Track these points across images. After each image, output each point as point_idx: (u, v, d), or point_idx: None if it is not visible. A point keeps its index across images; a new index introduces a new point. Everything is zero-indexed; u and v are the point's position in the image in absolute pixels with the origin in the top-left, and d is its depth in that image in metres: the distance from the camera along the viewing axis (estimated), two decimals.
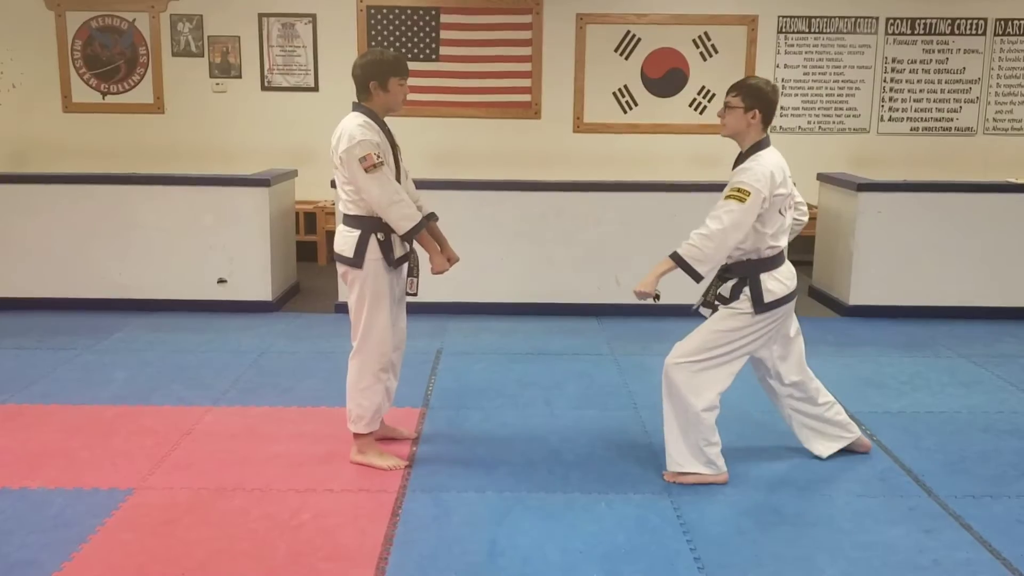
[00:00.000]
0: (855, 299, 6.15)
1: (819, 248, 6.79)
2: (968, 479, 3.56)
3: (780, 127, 8.00)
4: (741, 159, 3.44)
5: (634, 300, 6.30)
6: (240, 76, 7.89)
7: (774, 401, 3.74)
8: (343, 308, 6.07)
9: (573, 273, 6.11)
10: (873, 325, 5.92)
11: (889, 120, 8.03)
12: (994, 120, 8.04)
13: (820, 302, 6.59)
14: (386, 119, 3.52)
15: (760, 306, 3.38)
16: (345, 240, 3.50)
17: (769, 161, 3.35)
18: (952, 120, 8.04)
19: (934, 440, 3.97)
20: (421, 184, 6.58)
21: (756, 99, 3.33)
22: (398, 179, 3.48)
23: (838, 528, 3.15)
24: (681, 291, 6.08)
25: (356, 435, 3.61)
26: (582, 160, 7.88)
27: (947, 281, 6.12)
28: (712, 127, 7.94)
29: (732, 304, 3.44)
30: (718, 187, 6.45)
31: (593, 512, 3.24)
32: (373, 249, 3.46)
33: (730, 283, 3.46)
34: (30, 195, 6.05)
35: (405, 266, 3.66)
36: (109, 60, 7.87)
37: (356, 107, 3.48)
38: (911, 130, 8.05)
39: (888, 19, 7.87)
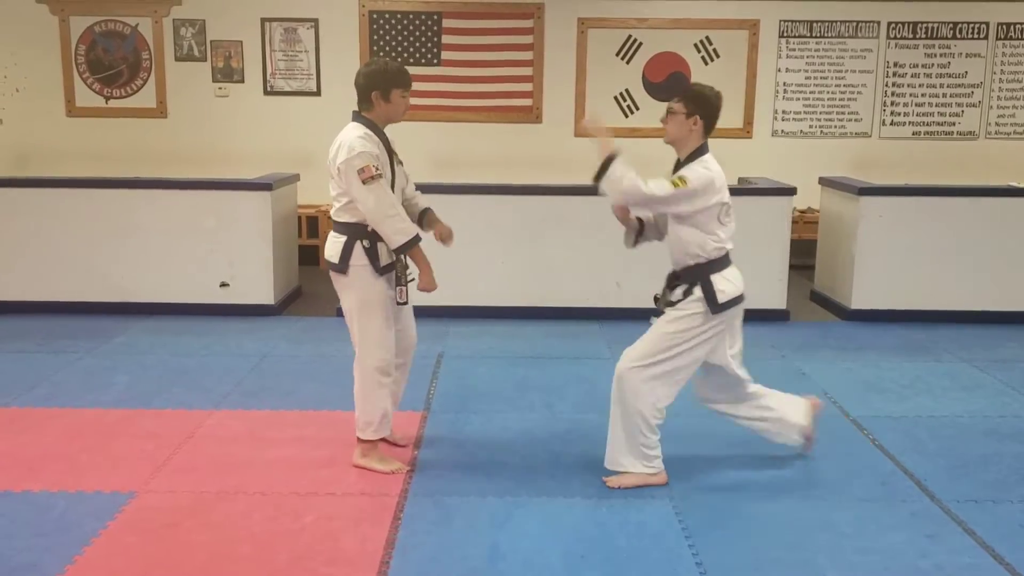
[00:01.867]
0: (857, 303, 6.14)
1: (821, 252, 6.79)
2: (970, 483, 3.56)
3: (782, 131, 8.01)
4: (678, 167, 3.42)
5: (634, 304, 6.31)
6: (242, 80, 7.91)
7: (730, 414, 3.67)
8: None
9: (574, 277, 6.11)
10: (875, 329, 5.92)
11: (891, 124, 8.03)
12: (996, 124, 8.04)
13: (822, 306, 6.58)
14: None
15: (715, 306, 3.37)
16: (333, 245, 3.52)
17: (713, 168, 3.35)
18: (954, 124, 8.04)
19: (936, 444, 3.96)
20: (422, 188, 6.59)
21: (699, 105, 3.33)
22: (394, 187, 3.49)
23: (840, 532, 3.14)
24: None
25: (361, 440, 3.60)
26: (583, 164, 7.83)
27: (949, 285, 6.11)
28: (714, 131, 7.96)
29: (680, 306, 3.41)
30: None
31: (594, 516, 3.24)
32: (358, 255, 3.47)
33: (680, 289, 3.46)
34: (33, 199, 6.07)
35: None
36: (112, 65, 7.89)
37: (356, 117, 3.48)
38: (913, 134, 8.05)
39: (890, 23, 7.87)
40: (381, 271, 3.51)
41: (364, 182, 3.32)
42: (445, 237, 3.69)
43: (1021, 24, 7.89)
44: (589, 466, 3.67)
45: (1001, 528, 3.18)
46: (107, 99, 7.95)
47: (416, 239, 3.47)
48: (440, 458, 3.74)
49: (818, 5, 7.84)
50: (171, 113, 7.95)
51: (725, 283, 3.40)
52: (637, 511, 3.28)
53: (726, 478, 3.59)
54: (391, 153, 3.51)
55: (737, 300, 3.44)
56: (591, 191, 6.69)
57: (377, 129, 3.46)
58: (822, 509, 3.32)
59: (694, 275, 3.41)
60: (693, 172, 3.32)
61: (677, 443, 3.93)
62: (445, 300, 6.09)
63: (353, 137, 3.38)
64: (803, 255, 7.16)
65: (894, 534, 3.14)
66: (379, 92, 3.42)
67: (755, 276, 6.09)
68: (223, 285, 6.08)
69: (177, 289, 6.08)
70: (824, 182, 6.75)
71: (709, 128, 3.37)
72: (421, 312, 6.05)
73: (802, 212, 7.54)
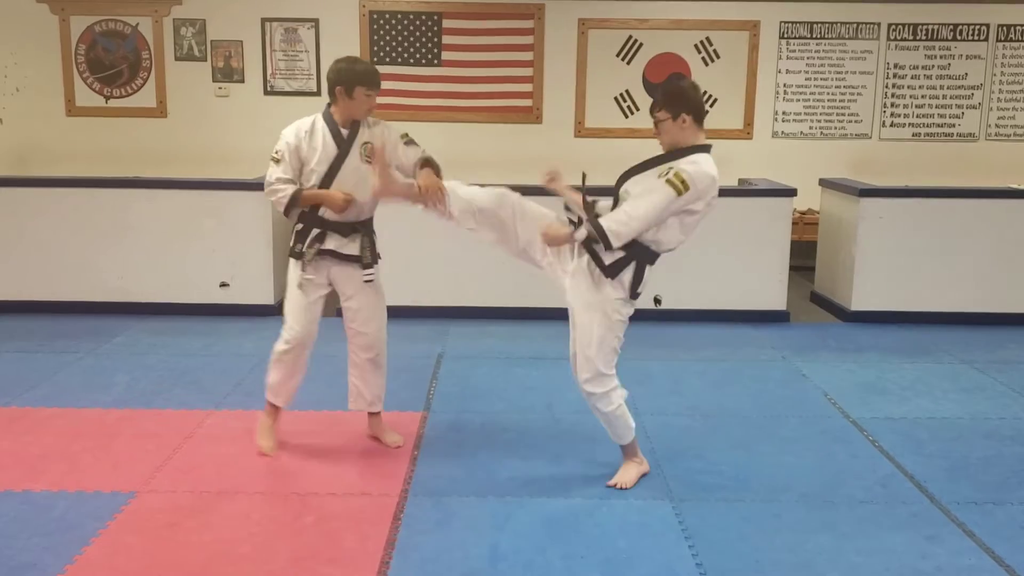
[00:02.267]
0: (857, 305, 6.15)
1: (821, 254, 6.79)
2: (971, 485, 3.56)
3: (782, 132, 8.01)
4: (678, 155, 3.28)
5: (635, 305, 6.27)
6: (243, 80, 7.90)
7: None
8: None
9: None
10: (875, 331, 5.92)
11: (891, 126, 8.03)
12: (996, 126, 8.05)
13: (822, 307, 6.59)
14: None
15: (635, 294, 3.36)
16: None
17: (712, 167, 3.27)
18: (954, 126, 8.05)
19: (936, 446, 3.96)
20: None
21: (680, 103, 3.26)
22: (325, 186, 3.59)
23: (840, 534, 3.14)
24: (683, 296, 6.11)
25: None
26: (583, 165, 7.83)
27: (949, 287, 6.12)
28: (714, 132, 7.93)
29: (601, 293, 3.33)
30: (719, 191, 6.47)
31: (595, 517, 3.24)
32: (292, 240, 3.75)
33: (618, 255, 3.31)
34: (33, 198, 6.07)
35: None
36: (112, 64, 7.88)
37: (325, 110, 3.64)
38: (913, 136, 8.05)
39: (890, 25, 7.88)
40: (295, 255, 3.74)
41: (270, 160, 3.63)
42: (424, 187, 3.56)
43: (1021, 26, 7.89)
44: (589, 467, 3.67)
45: (1002, 530, 3.18)
46: (107, 99, 7.94)
47: (294, 196, 3.60)
48: (440, 458, 3.74)
49: (818, 6, 7.84)
50: (171, 113, 7.94)
51: (647, 275, 3.38)
52: (637, 512, 3.28)
53: (726, 479, 3.58)
54: (346, 145, 3.57)
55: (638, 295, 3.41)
56: (591, 191, 6.69)
57: (331, 122, 3.58)
58: (822, 510, 3.32)
59: (635, 252, 3.30)
60: (694, 169, 3.21)
61: (677, 444, 3.94)
62: (445, 300, 6.12)
63: (288, 130, 3.64)
64: (803, 256, 7.16)
65: (894, 535, 3.14)
66: (343, 88, 3.54)
67: (755, 277, 6.16)
68: (223, 285, 6.08)
69: (177, 289, 6.08)
70: (824, 184, 6.75)
71: (700, 120, 3.29)
72: (422, 312, 6.09)
73: (802, 213, 7.53)
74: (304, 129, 3.61)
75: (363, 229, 3.73)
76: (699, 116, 3.28)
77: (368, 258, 3.72)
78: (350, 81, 3.53)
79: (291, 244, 3.76)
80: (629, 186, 3.37)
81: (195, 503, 3.29)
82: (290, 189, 3.61)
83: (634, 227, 3.22)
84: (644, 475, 3.55)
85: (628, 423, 3.46)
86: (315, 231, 3.68)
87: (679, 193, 3.18)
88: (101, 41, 7.85)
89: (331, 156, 3.58)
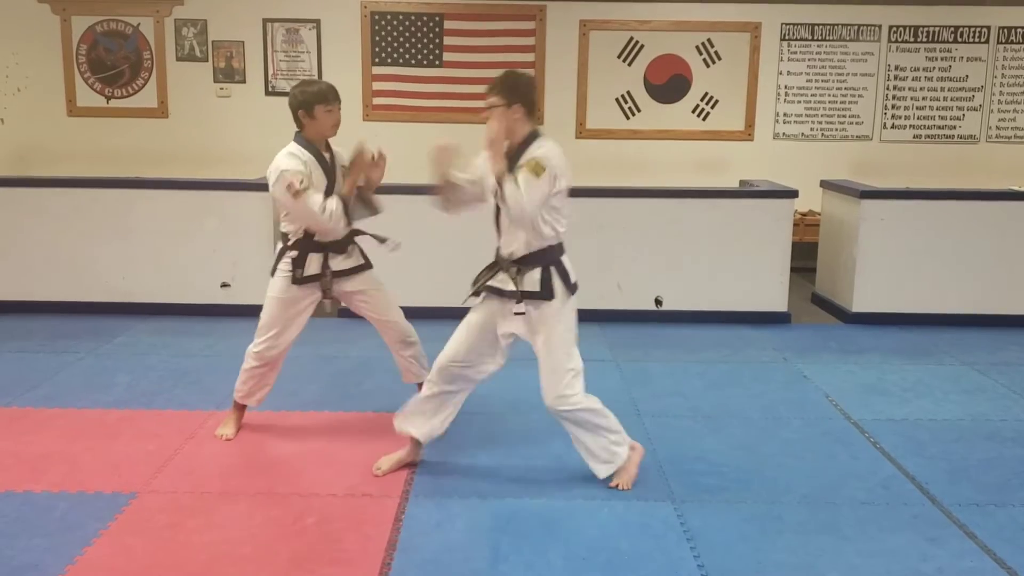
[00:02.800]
0: (858, 306, 6.14)
1: (822, 255, 6.79)
2: (972, 487, 3.56)
3: (783, 134, 8.01)
4: (515, 155, 3.32)
5: (635, 306, 6.31)
6: (244, 81, 7.91)
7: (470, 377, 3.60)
8: (346, 313, 6.11)
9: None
10: (876, 332, 5.92)
11: (892, 128, 8.04)
12: (997, 128, 8.05)
13: (823, 309, 6.59)
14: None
15: (572, 288, 3.39)
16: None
17: (555, 145, 3.33)
18: (955, 128, 8.05)
19: (937, 448, 3.96)
20: (425, 190, 6.58)
21: (514, 93, 3.30)
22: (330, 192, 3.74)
23: (841, 536, 3.14)
24: (683, 298, 6.11)
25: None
26: (584, 166, 7.85)
27: (950, 288, 6.12)
28: (715, 133, 7.99)
29: (553, 301, 3.34)
30: (720, 193, 6.50)
31: (596, 518, 3.23)
32: (285, 263, 3.89)
33: (535, 274, 3.34)
34: (34, 198, 6.07)
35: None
36: (114, 64, 7.89)
37: (295, 137, 3.79)
38: (914, 137, 8.05)
39: (891, 27, 7.88)
40: (300, 280, 3.88)
41: (294, 197, 3.62)
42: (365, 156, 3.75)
43: (1022, 28, 7.89)
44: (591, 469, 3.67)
45: (1003, 531, 3.18)
46: (108, 99, 7.95)
47: (345, 201, 3.74)
48: (441, 459, 3.74)
49: (820, 8, 7.84)
50: (172, 113, 7.94)
51: (569, 264, 3.41)
52: (639, 513, 3.28)
53: (728, 480, 3.58)
54: (325, 165, 3.77)
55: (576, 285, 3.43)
56: (592, 193, 6.71)
57: (310, 146, 3.75)
58: (824, 512, 3.32)
59: (546, 258, 3.34)
60: (545, 151, 3.26)
61: (678, 445, 3.94)
62: (446, 302, 6.11)
63: (278, 159, 3.70)
64: (804, 258, 7.16)
65: (896, 537, 3.14)
66: (304, 110, 3.72)
67: (756, 278, 6.16)
68: (224, 285, 6.08)
69: (178, 289, 6.08)
70: (826, 185, 6.75)
71: (530, 113, 3.33)
72: (421, 313, 6.07)
73: (803, 215, 7.54)
74: (297, 155, 3.71)
75: (353, 239, 3.94)
76: (530, 109, 3.34)
77: (368, 262, 4.01)
78: (308, 103, 3.70)
79: (284, 266, 3.88)
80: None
81: (196, 504, 3.29)
82: (335, 201, 3.69)
83: (528, 208, 3.22)
84: (643, 456, 3.56)
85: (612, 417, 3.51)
86: (313, 255, 3.82)
87: (538, 175, 3.21)
88: (102, 41, 7.86)
89: (323, 182, 3.76)
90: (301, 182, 3.61)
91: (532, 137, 3.35)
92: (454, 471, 3.63)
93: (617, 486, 3.45)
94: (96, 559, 2.91)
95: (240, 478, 3.51)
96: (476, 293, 3.52)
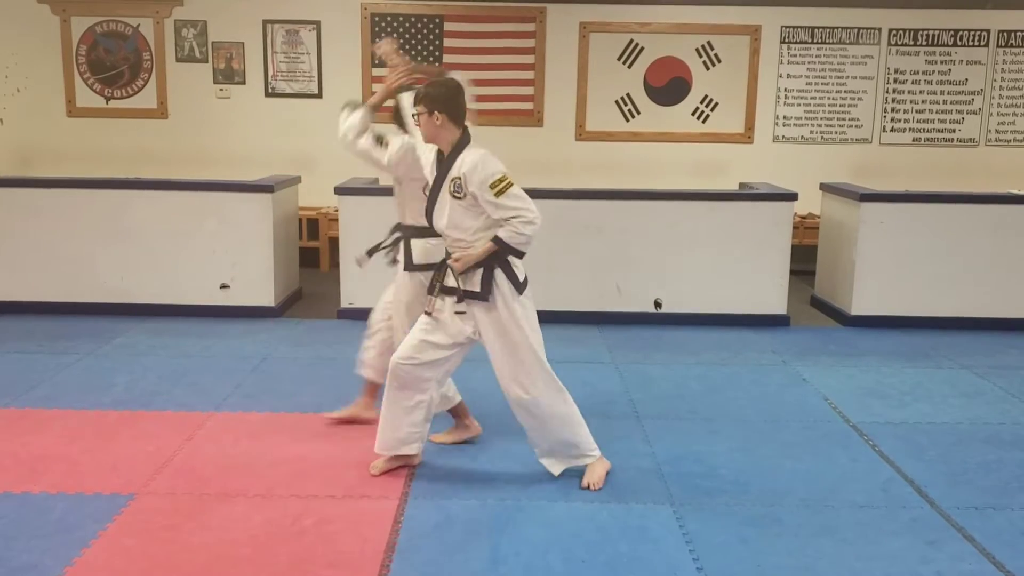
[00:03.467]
0: (857, 309, 6.15)
1: (821, 258, 6.79)
2: (971, 490, 3.56)
3: (783, 136, 8.02)
4: (446, 159, 3.44)
5: (635, 308, 6.31)
6: (244, 82, 7.91)
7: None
8: (346, 314, 6.12)
9: (574, 281, 6.11)
10: (875, 335, 5.92)
11: (891, 131, 8.04)
12: (996, 131, 8.06)
13: (822, 312, 6.59)
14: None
15: (521, 286, 3.43)
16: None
17: (487, 154, 3.44)
18: (954, 131, 8.05)
19: (936, 451, 3.96)
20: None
21: (434, 102, 3.38)
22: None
23: (841, 539, 3.14)
24: (683, 300, 6.11)
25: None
26: (584, 168, 7.89)
27: (949, 292, 6.12)
28: (715, 136, 7.99)
29: (506, 300, 3.41)
30: (720, 196, 6.50)
31: (595, 521, 3.23)
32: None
33: (477, 275, 3.39)
34: (34, 199, 6.06)
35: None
36: (113, 65, 7.89)
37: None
38: (913, 141, 8.06)
39: (891, 30, 7.89)
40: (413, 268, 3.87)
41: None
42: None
43: (1021, 31, 7.90)
44: None
45: (1002, 535, 3.18)
46: (108, 100, 7.95)
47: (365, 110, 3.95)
48: (440, 462, 3.74)
49: (820, 11, 7.85)
50: (172, 114, 7.95)
51: (517, 263, 3.45)
52: (638, 516, 3.27)
53: (727, 483, 3.58)
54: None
55: (526, 281, 3.47)
56: (592, 195, 6.72)
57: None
58: (823, 515, 3.32)
59: (491, 258, 3.38)
60: (492, 166, 3.38)
61: (678, 448, 3.94)
62: None
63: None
64: (804, 260, 7.16)
65: (895, 540, 3.14)
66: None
67: (756, 281, 6.16)
68: (223, 287, 6.08)
69: (177, 291, 6.08)
70: (825, 188, 6.75)
71: (455, 117, 3.41)
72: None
73: (803, 218, 7.54)
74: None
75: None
76: (454, 115, 3.41)
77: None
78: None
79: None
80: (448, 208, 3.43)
81: (195, 505, 3.29)
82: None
83: (536, 220, 3.37)
84: (609, 472, 3.57)
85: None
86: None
87: (507, 188, 3.35)
88: (102, 42, 7.86)
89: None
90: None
91: (463, 143, 3.43)
92: (453, 473, 3.63)
93: (588, 486, 3.46)
94: (94, 560, 2.90)
95: (239, 479, 3.51)
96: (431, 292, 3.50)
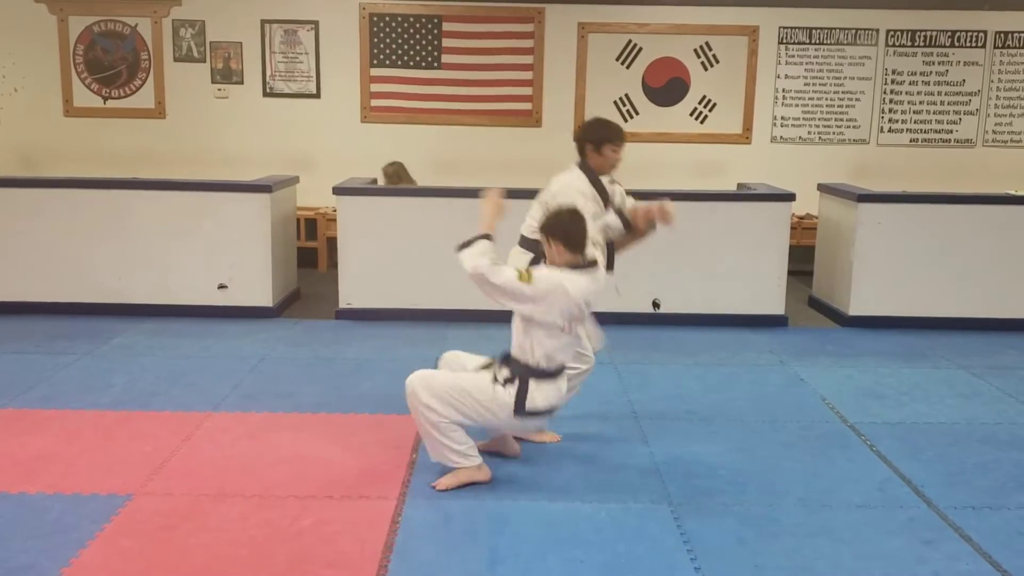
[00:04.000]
0: (855, 309, 6.15)
1: (819, 258, 6.80)
2: (968, 490, 3.56)
3: (781, 137, 8.02)
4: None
5: (633, 309, 6.29)
6: (242, 82, 7.91)
7: None
8: (344, 314, 6.12)
9: None
10: (873, 336, 5.92)
11: (889, 131, 8.05)
12: (993, 132, 8.07)
13: (820, 312, 6.59)
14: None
15: (521, 411, 3.42)
16: (519, 258, 3.99)
17: (571, 280, 3.40)
18: (952, 132, 8.07)
19: (933, 451, 3.97)
20: (423, 192, 6.60)
21: (549, 231, 3.41)
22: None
23: (838, 538, 3.14)
24: (681, 301, 6.11)
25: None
26: None
27: (946, 292, 6.13)
28: (712, 136, 8.00)
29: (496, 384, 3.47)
30: (718, 196, 6.50)
31: (593, 521, 3.23)
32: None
33: (505, 371, 3.48)
34: (31, 199, 6.05)
35: None
36: (111, 65, 7.88)
37: (578, 165, 3.97)
38: (911, 141, 8.07)
39: (888, 31, 7.90)
40: None
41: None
42: (661, 214, 3.95)
43: (1018, 32, 7.91)
44: (588, 470, 3.67)
45: (998, 535, 3.18)
46: (105, 99, 7.94)
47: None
48: (438, 462, 3.73)
49: (817, 12, 7.86)
50: (170, 114, 7.94)
51: (540, 395, 3.40)
52: (636, 516, 3.27)
53: (725, 483, 3.58)
54: (603, 194, 3.96)
55: (544, 412, 3.46)
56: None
57: (592, 174, 3.93)
58: (821, 515, 3.32)
59: (516, 370, 3.41)
60: (544, 274, 3.38)
61: (675, 448, 3.94)
62: (444, 303, 6.12)
63: (573, 191, 3.84)
64: (801, 261, 7.17)
65: (892, 540, 3.14)
66: (592, 145, 3.92)
67: (754, 282, 6.16)
68: (221, 287, 6.07)
69: (175, 291, 6.07)
70: (823, 189, 6.76)
71: (570, 245, 3.40)
72: (419, 316, 6.09)
73: (800, 218, 7.55)
74: (582, 187, 3.90)
75: None
76: (569, 242, 3.41)
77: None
78: (599, 140, 3.90)
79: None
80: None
81: (192, 506, 3.28)
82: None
83: (476, 271, 3.45)
84: (476, 483, 3.50)
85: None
86: None
87: (523, 280, 3.38)
88: (100, 41, 7.85)
89: (599, 210, 3.94)
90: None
91: (571, 265, 3.43)
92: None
93: (446, 487, 3.44)
94: (91, 561, 2.90)
95: (236, 480, 3.51)
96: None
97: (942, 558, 3.02)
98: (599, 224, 3.93)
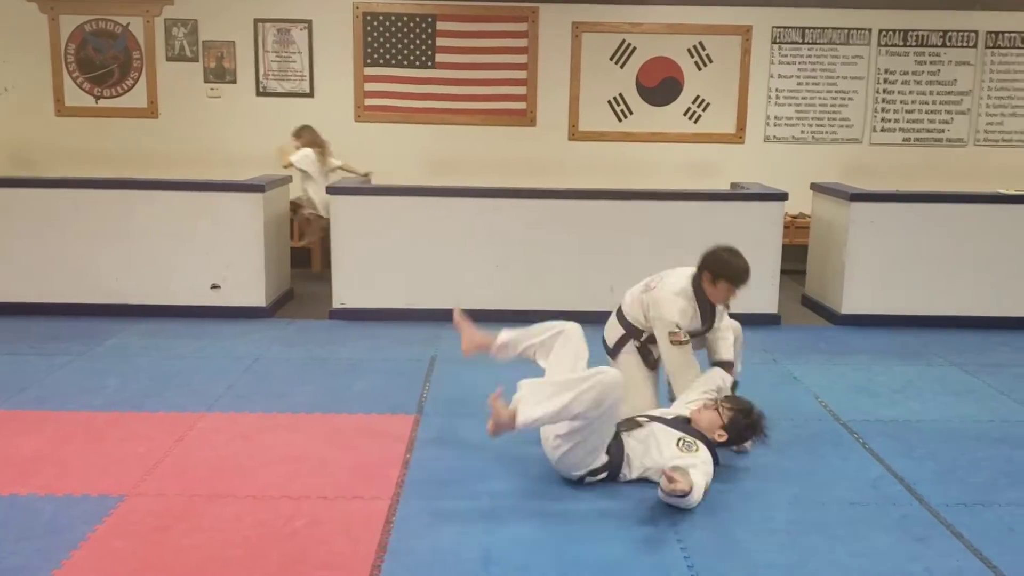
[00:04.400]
0: (848, 308, 6.17)
1: (812, 257, 6.82)
2: (959, 487, 3.58)
3: (774, 136, 8.04)
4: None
5: None
6: (235, 81, 7.89)
7: None
8: (337, 315, 6.12)
9: (568, 280, 6.11)
10: (866, 334, 5.94)
11: (881, 130, 8.08)
12: (985, 131, 8.10)
13: (813, 311, 6.61)
14: None
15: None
16: (612, 331, 4.24)
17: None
18: (943, 131, 8.09)
19: (926, 448, 3.98)
20: (417, 192, 6.60)
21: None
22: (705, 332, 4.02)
23: (831, 535, 3.15)
24: None
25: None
26: (577, 168, 7.90)
27: (939, 290, 6.15)
28: (706, 136, 8.01)
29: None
30: (712, 196, 6.51)
31: (588, 520, 3.23)
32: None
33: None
34: (22, 199, 6.03)
35: None
36: (103, 64, 7.86)
37: (694, 277, 3.96)
38: (903, 140, 8.09)
39: (881, 30, 7.92)
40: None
41: (671, 344, 3.93)
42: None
43: (1009, 32, 7.94)
44: None
45: (990, 531, 3.20)
46: (97, 99, 7.92)
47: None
48: (433, 461, 3.74)
49: (810, 12, 7.87)
50: (162, 113, 7.92)
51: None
52: (631, 516, 3.27)
53: (718, 480, 3.58)
54: (707, 319, 3.99)
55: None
56: (585, 195, 6.73)
57: (701, 295, 3.91)
58: (814, 512, 3.33)
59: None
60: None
61: None
62: (438, 303, 6.11)
63: (673, 299, 3.92)
64: (795, 260, 7.18)
65: (884, 537, 3.15)
66: (710, 274, 3.89)
67: None
68: (214, 287, 6.06)
69: (169, 291, 6.06)
70: (816, 188, 6.78)
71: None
72: (414, 315, 6.09)
73: (793, 217, 7.56)
74: (689, 306, 3.92)
75: None
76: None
77: None
78: (719, 274, 3.88)
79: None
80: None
81: (185, 506, 3.28)
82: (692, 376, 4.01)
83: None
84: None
85: None
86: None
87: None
88: (91, 41, 7.83)
89: (699, 328, 3.99)
90: (684, 337, 3.89)
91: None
92: (445, 473, 3.62)
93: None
94: (83, 562, 2.89)
95: (230, 480, 3.50)
96: None
97: (934, 555, 3.04)
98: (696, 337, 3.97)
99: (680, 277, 3.98)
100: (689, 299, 3.90)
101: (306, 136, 7.30)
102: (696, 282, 3.93)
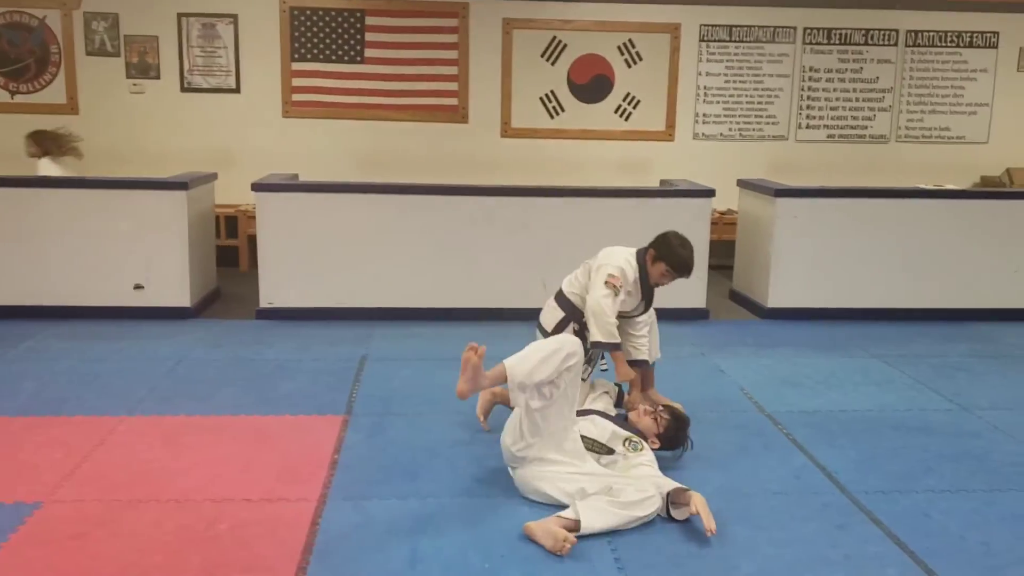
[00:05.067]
0: (773, 302, 6.30)
1: (739, 252, 6.94)
2: (879, 475, 3.68)
3: (703, 134, 8.16)
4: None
5: None
6: (159, 77, 7.69)
7: None
8: (264, 314, 6.01)
9: (500, 277, 6.12)
10: (791, 327, 6.08)
11: (806, 127, 8.27)
12: (906, 128, 8.35)
13: (740, 305, 6.73)
14: None
15: None
16: (550, 314, 4.20)
17: None
18: (866, 128, 8.32)
19: (847, 438, 4.09)
20: (347, 188, 6.52)
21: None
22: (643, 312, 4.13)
23: (755, 525, 3.21)
24: None
25: None
26: (510, 165, 7.90)
27: (861, 284, 6.32)
28: (637, 133, 8.09)
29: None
30: (642, 192, 6.57)
31: (516, 516, 3.23)
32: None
33: None
34: None
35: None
36: (18, 58, 7.58)
37: (642, 252, 4.04)
38: (827, 137, 8.30)
39: (806, 28, 8.10)
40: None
41: (605, 284, 3.93)
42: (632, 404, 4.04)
43: (928, 31, 8.20)
44: None
45: (907, 518, 3.29)
46: (13, 94, 7.64)
47: (615, 346, 3.98)
48: (361, 461, 3.70)
49: (737, 10, 8.01)
50: (83, 109, 7.68)
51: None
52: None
53: None
54: (646, 295, 4.09)
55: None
56: (517, 192, 6.74)
57: (643, 270, 4.01)
58: (738, 502, 3.39)
59: None
60: None
61: None
62: (369, 302, 6.06)
63: (619, 257, 4.01)
64: (722, 255, 7.31)
65: (806, 525, 3.23)
66: (654, 252, 4.00)
67: None
68: (137, 287, 5.90)
69: (89, 292, 5.87)
70: (742, 184, 6.90)
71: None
72: (345, 314, 6.02)
73: (722, 213, 7.69)
74: (631, 271, 3.99)
75: None
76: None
77: None
78: (660, 256, 3.98)
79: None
80: None
81: (104, 512, 3.18)
82: (617, 338, 3.97)
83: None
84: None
85: None
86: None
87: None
88: (5, 33, 7.55)
89: (635, 303, 4.09)
90: (619, 285, 3.92)
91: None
92: (374, 473, 3.59)
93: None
94: None
95: (151, 485, 3.41)
96: None
97: (853, 541, 3.12)
98: (618, 307, 3.99)
99: (626, 249, 4.10)
100: (634, 268, 4.02)
101: (45, 144, 6.66)
102: (641, 257, 4.05)
